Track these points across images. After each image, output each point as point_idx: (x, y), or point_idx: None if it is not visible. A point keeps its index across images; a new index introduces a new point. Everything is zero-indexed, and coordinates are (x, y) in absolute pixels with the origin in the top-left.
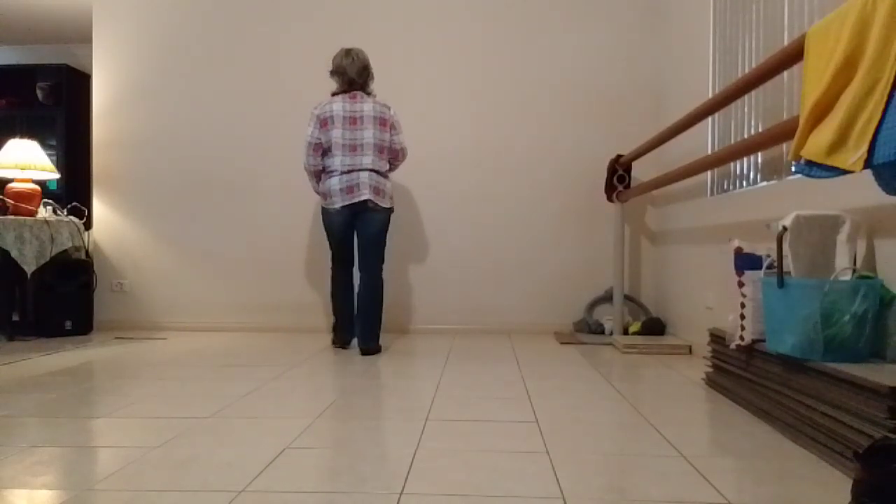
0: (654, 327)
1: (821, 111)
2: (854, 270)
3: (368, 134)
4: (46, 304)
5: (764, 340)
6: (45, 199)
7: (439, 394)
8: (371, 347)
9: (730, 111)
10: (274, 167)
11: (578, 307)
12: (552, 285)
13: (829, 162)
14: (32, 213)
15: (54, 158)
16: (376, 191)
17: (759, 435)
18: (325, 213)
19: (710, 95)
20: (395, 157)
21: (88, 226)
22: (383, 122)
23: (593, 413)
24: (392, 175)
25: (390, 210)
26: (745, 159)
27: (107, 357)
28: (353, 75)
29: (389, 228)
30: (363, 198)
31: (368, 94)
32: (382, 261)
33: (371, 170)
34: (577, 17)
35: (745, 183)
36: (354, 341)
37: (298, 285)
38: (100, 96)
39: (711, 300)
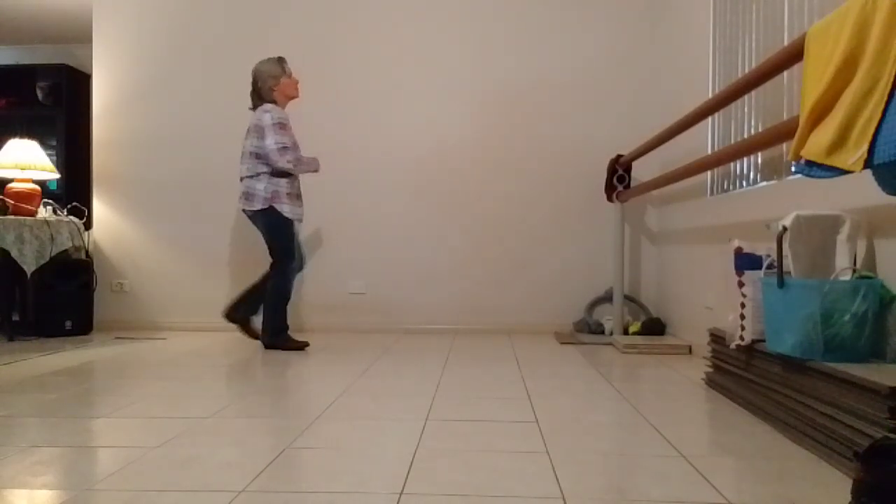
0: (654, 327)
1: (821, 111)
2: (854, 270)
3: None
4: (46, 304)
5: (764, 340)
6: (45, 199)
7: (439, 394)
8: (265, 343)
9: (730, 111)
10: None
11: (578, 307)
12: (552, 285)
13: (829, 162)
14: (32, 213)
15: (54, 158)
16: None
17: (759, 435)
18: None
19: (710, 95)
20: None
21: (88, 226)
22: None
23: (593, 413)
24: (392, 173)
25: (264, 211)
26: (745, 159)
27: (107, 357)
28: None
29: (277, 230)
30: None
31: (256, 106)
32: (278, 261)
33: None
34: (577, 17)
35: (745, 183)
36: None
37: (298, 285)
38: (100, 96)
39: (711, 300)
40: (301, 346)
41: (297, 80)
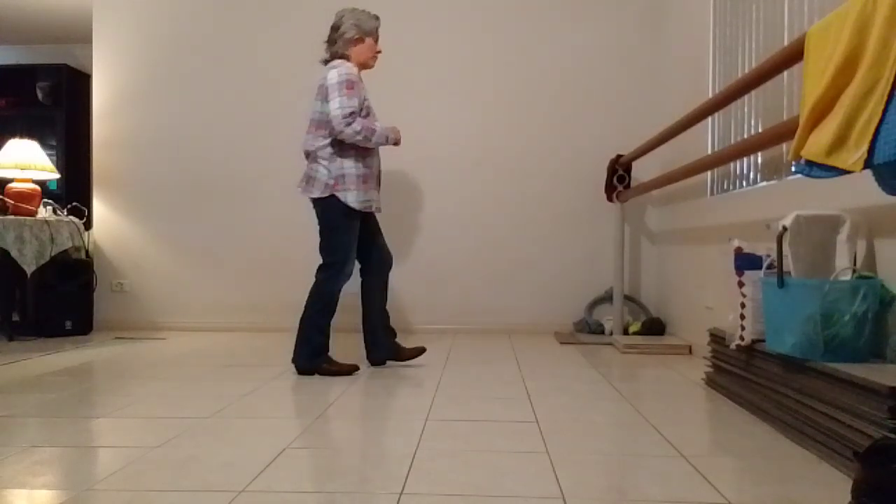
0: (654, 327)
1: (821, 111)
2: (854, 270)
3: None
4: (46, 304)
5: (764, 340)
6: (45, 199)
7: (439, 394)
8: (299, 366)
9: (730, 111)
10: (274, 167)
11: (578, 307)
12: (552, 285)
13: (829, 162)
14: (32, 213)
15: (54, 158)
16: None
17: (759, 435)
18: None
19: (710, 95)
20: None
21: (88, 226)
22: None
23: (593, 413)
24: (391, 174)
25: (324, 200)
26: (745, 159)
27: (107, 357)
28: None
29: (334, 225)
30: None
31: (328, 59)
32: (329, 263)
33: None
34: (577, 17)
35: (745, 183)
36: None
37: (298, 285)
38: (100, 96)
39: (711, 300)
40: (349, 371)
41: (380, 52)
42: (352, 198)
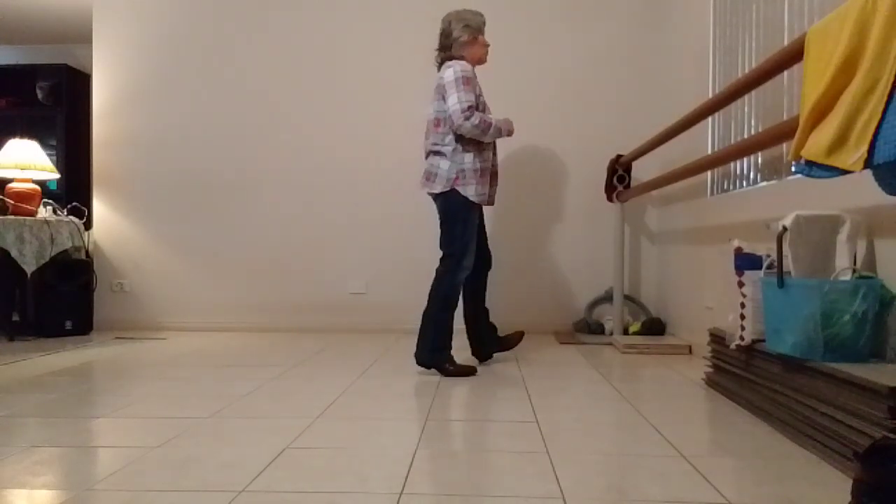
0: (654, 327)
1: (821, 111)
2: (854, 270)
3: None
4: (46, 304)
5: (764, 340)
6: (45, 199)
7: (439, 394)
8: (419, 359)
9: (730, 111)
10: (274, 167)
11: (578, 307)
12: (552, 285)
13: (829, 162)
14: (32, 213)
15: (54, 158)
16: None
17: (759, 435)
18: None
19: (710, 95)
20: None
21: (88, 226)
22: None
23: (593, 413)
24: (393, 173)
25: (445, 194)
26: (745, 159)
27: (107, 357)
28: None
29: (454, 218)
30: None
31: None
32: (448, 255)
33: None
34: (577, 17)
35: (745, 183)
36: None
37: (298, 285)
38: (100, 96)
39: (711, 300)
40: (468, 373)
41: (489, 45)
42: (471, 191)
